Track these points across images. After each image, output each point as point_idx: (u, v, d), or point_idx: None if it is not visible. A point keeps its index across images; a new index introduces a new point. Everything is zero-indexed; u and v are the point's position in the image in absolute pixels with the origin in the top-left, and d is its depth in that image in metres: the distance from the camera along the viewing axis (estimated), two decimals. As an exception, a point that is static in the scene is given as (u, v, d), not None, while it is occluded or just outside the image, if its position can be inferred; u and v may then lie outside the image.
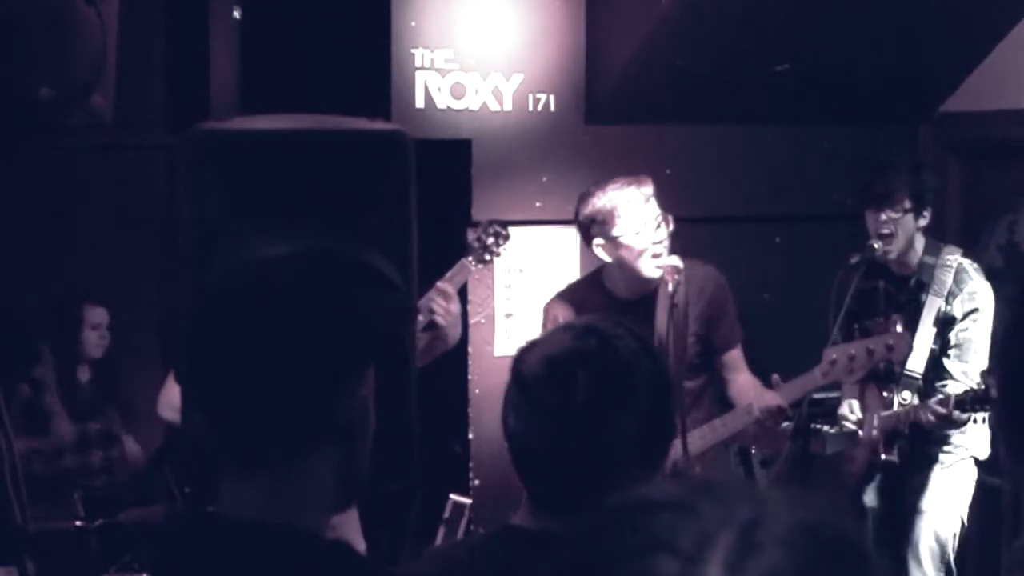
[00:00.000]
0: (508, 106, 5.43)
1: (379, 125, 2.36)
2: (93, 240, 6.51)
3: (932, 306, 4.88)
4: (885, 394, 4.92)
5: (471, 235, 4.75)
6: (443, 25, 5.33)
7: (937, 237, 5.11)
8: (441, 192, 4.82)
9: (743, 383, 4.63)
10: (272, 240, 1.77)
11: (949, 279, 4.88)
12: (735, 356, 4.67)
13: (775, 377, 4.47)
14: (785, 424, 4.62)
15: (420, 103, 5.32)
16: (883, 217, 4.85)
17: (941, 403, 4.68)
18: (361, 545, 2.97)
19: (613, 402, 2.05)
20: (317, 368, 1.69)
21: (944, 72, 5.94)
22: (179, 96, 5.87)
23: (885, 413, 4.88)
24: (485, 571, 2.15)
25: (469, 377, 5.41)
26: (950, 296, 4.88)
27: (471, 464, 5.40)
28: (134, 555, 5.21)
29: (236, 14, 5.59)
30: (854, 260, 4.83)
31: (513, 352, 2.17)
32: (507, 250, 4.76)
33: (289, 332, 1.68)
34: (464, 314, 4.79)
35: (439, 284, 4.44)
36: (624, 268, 4.50)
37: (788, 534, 0.89)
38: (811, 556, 0.89)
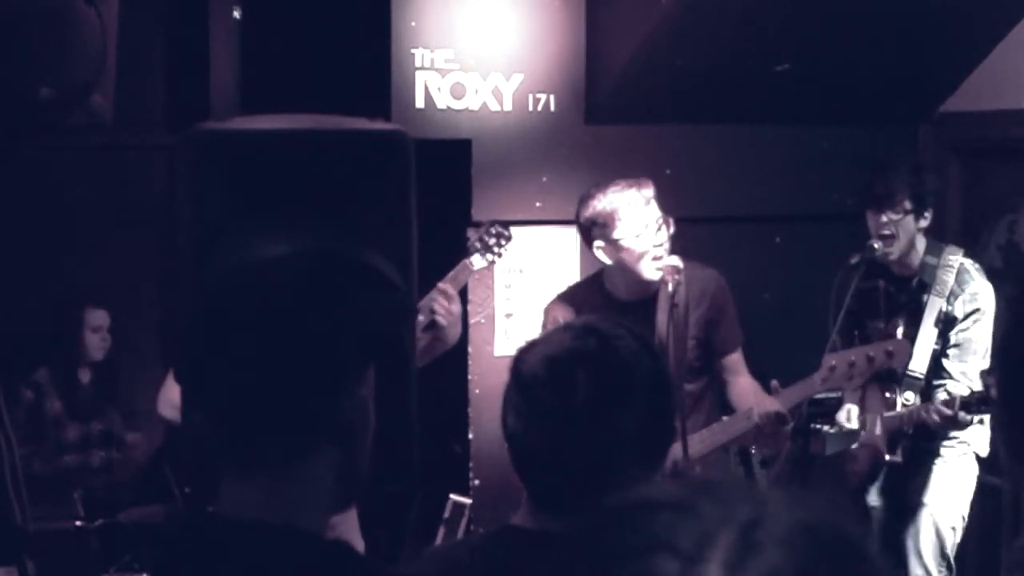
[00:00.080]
0: (508, 106, 5.43)
1: (379, 125, 2.36)
2: (93, 240, 6.51)
3: (934, 307, 4.88)
4: (888, 395, 4.92)
5: (472, 235, 4.75)
6: (443, 25, 5.33)
7: (937, 237, 5.11)
8: (441, 192, 4.82)
9: (743, 387, 4.62)
10: (272, 240, 1.77)
11: (951, 280, 4.88)
12: (735, 359, 4.67)
13: (774, 383, 4.48)
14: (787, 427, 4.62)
15: (420, 103, 5.32)
16: (884, 218, 4.85)
17: (947, 404, 4.68)
18: (361, 545, 2.96)
19: (613, 402, 2.05)
20: (317, 368, 1.69)
21: (944, 72, 5.94)
22: (179, 96, 5.87)
23: (888, 414, 4.88)
24: (485, 571, 2.15)
25: (469, 377, 5.41)
26: (952, 297, 4.87)
27: (471, 464, 5.40)
28: (134, 555, 5.21)
29: (236, 14, 5.59)
30: (854, 260, 4.83)
31: (513, 352, 2.17)
32: (509, 251, 4.76)
33: (289, 332, 1.68)
34: (464, 314, 4.79)
35: (440, 285, 4.44)
36: (624, 270, 4.49)
37: (788, 534, 0.89)
38: (811, 556, 0.89)
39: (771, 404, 4.41)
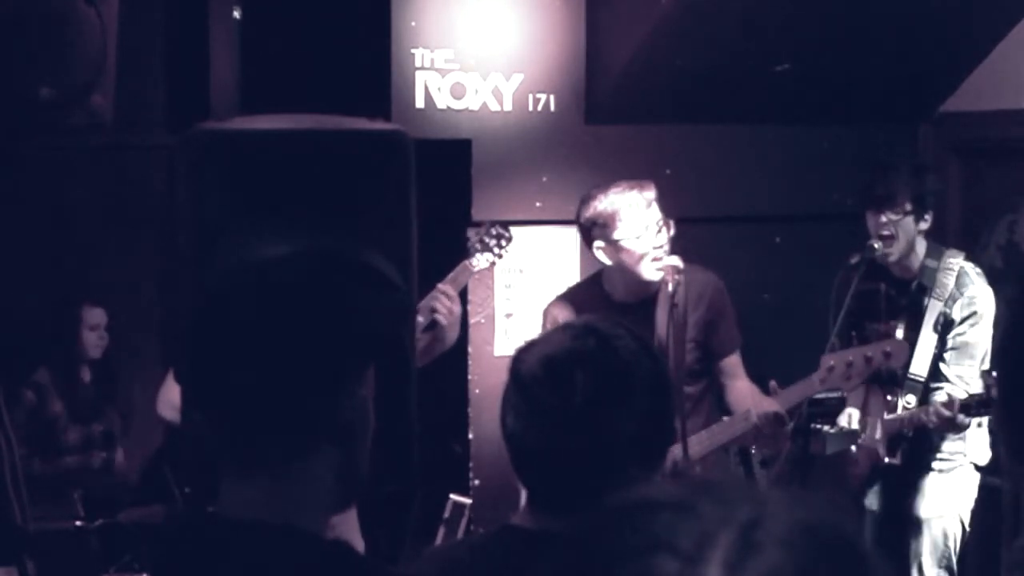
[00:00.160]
0: (508, 106, 5.43)
1: (379, 125, 2.36)
2: (93, 241, 6.51)
3: (934, 310, 4.87)
4: (889, 397, 4.92)
5: (473, 236, 4.75)
6: (443, 25, 5.33)
7: (937, 237, 5.10)
8: (441, 192, 4.82)
9: (741, 389, 4.63)
10: (272, 240, 1.77)
11: (951, 283, 4.87)
12: (733, 362, 4.67)
13: (772, 383, 4.48)
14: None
15: (420, 103, 5.32)
16: (883, 219, 4.84)
17: (946, 406, 4.67)
18: (361, 545, 2.96)
19: (612, 402, 2.05)
20: (317, 368, 1.69)
21: (944, 72, 5.94)
22: (179, 96, 5.87)
23: (889, 416, 4.88)
24: (485, 571, 2.15)
25: (469, 377, 5.41)
26: (951, 300, 4.86)
27: (471, 464, 5.40)
28: (134, 555, 5.21)
29: (236, 14, 5.59)
30: (854, 260, 4.82)
31: (513, 352, 2.17)
32: (509, 251, 4.76)
33: (289, 332, 1.68)
34: (464, 314, 4.79)
35: (440, 286, 4.45)
36: (624, 271, 4.49)
37: (788, 534, 0.89)
38: (811, 556, 0.89)
39: (769, 405, 4.41)
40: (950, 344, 4.87)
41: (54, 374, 6.17)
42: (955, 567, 4.97)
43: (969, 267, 4.91)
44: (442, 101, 5.34)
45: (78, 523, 5.42)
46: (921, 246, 4.92)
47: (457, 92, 5.36)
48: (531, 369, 2.08)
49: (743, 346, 4.71)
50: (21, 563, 3.22)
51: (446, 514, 4.74)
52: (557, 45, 5.49)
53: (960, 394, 4.71)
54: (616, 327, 2.13)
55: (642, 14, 5.32)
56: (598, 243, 4.49)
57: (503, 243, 4.70)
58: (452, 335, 4.50)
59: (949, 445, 4.92)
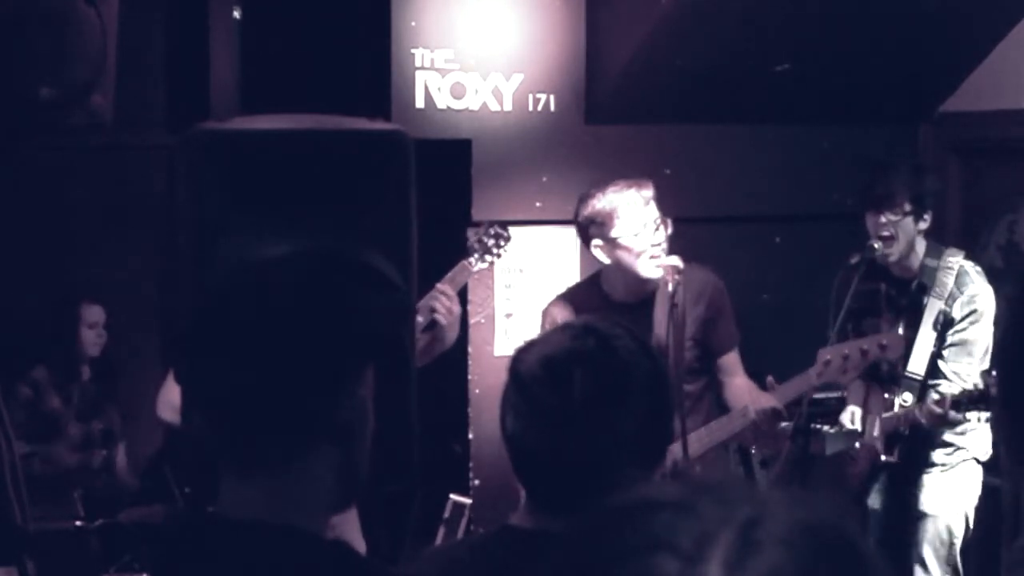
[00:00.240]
0: (508, 106, 5.43)
1: (379, 125, 2.36)
2: (93, 240, 6.51)
3: (933, 309, 4.87)
4: (887, 396, 4.92)
5: (472, 236, 4.75)
6: (443, 25, 5.33)
7: (937, 237, 5.10)
8: (441, 192, 4.82)
9: (739, 386, 4.63)
10: (272, 240, 1.77)
11: (951, 282, 4.87)
12: (731, 359, 4.67)
13: (770, 379, 4.47)
14: (785, 424, 4.62)
15: (420, 103, 5.32)
16: (883, 219, 4.83)
17: (937, 403, 4.68)
18: (361, 545, 2.97)
19: (611, 402, 2.05)
20: (317, 368, 1.69)
21: (944, 72, 5.94)
22: (179, 96, 5.87)
23: (886, 415, 4.88)
24: (485, 571, 2.15)
25: (469, 377, 5.42)
26: (950, 299, 4.86)
27: (471, 464, 5.40)
28: (134, 555, 5.21)
29: (236, 14, 5.59)
30: (854, 260, 4.82)
31: (512, 352, 2.17)
32: (508, 251, 4.76)
33: (289, 332, 1.68)
34: (464, 314, 4.79)
35: (440, 285, 4.45)
36: (622, 270, 4.49)
37: (788, 534, 0.89)
38: (811, 556, 0.89)
39: (767, 400, 4.41)
40: (949, 341, 4.87)
41: (53, 372, 6.16)
42: (959, 564, 4.97)
43: (969, 266, 4.91)
44: (442, 101, 5.34)
45: (78, 523, 5.42)
46: (921, 246, 4.92)
47: (457, 92, 5.36)
48: (531, 369, 2.08)
49: (743, 346, 4.71)
50: (21, 563, 3.22)
51: (446, 514, 4.74)
52: (557, 45, 5.49)
53: (953, 390, 4.71)
54: (615, 327, 2.13)
55: (642, 14, 5.32)
56: (596, 241, 4.49)
57: (502, 243, 4.70)
58: (452, 335, 4.50)
59: (952, 440, 4.92)
